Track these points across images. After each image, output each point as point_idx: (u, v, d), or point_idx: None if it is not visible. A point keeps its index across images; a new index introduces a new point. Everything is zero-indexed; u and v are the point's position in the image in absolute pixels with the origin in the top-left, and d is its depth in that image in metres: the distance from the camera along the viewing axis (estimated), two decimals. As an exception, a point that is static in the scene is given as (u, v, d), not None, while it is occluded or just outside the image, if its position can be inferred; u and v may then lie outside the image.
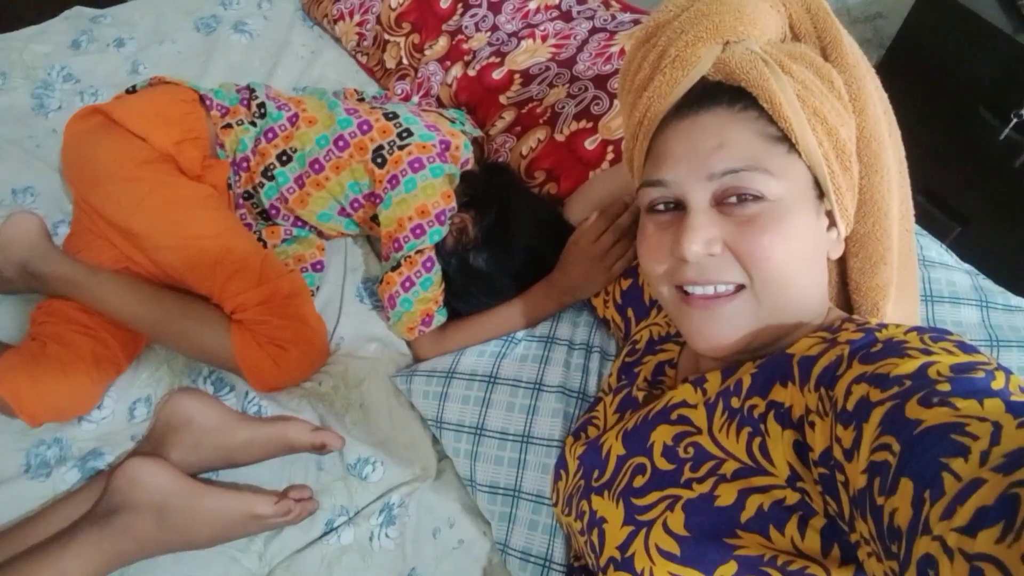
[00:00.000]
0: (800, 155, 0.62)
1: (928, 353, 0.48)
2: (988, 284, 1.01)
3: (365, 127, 1.17)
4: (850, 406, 0.48)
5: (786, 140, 0.62)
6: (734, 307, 0.63)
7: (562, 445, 0.92)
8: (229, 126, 1.19)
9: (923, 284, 0.98)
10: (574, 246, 1.04)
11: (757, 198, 0.61)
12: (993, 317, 0.96)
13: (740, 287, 0.63)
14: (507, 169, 1.25)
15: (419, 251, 1.11)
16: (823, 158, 0.62)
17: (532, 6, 1.47)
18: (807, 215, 0.62)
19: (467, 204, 1.14)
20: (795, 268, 0.62)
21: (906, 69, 1.62)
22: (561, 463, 0.85)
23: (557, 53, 1.36)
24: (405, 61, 1.52)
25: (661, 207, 0.67)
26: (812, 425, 0.52)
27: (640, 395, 0.80)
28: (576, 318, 1.09)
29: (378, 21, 1.56)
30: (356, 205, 1.20)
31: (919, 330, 0.52)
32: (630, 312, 0.97)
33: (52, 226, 1.22)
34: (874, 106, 0.66)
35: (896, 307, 0.73)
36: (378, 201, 1.14)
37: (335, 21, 1.62)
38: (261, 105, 1.22)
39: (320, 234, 1.28)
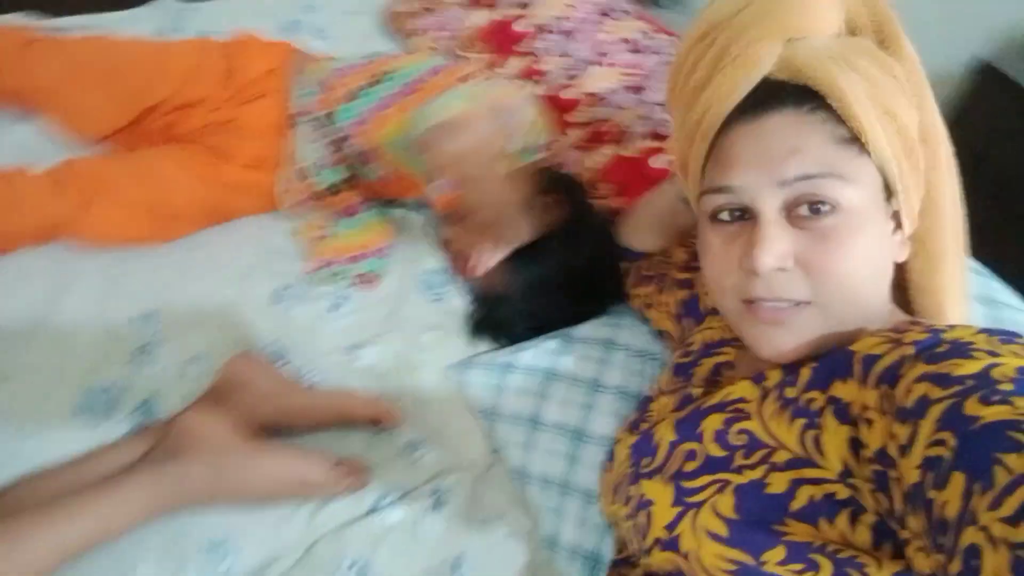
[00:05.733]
0: (870, 155, 0.60)
1: (995, 355, 0.48)
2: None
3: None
4: (909, 404, 0.48)
5: (856, 141, 0.59)
6: (801, 318, 0.62)
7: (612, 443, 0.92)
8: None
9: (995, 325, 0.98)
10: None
11: (832, 209, 0.59)
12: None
13: (806, 303, 0.61)
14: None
15: None
16: (893, 157, 0.60)
17: (604, 37, 1.53)
18: (878, 222, 0.61)
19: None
20: (865, 280, 0.61)
21: (955, 139, 1.66)
22: (609, 457, 0.84)
23: (627, 81, 1.41)
24: (476, 78, 1.57)
25: (726, 216, 0.65)
26: (869, 423, 0.52)
27: (697, 392, 0.79)
28: (637, 326, 1.10)
29: (453, 39, 1.62)
30: None
31: (988, 332, 0.52)
32: (686, 322, 0.98)
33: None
34: (929, 98, 0.65)
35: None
36: None
37: (410, 36, 1.68)
38: None
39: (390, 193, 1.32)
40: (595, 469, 0.92)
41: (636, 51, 1.49)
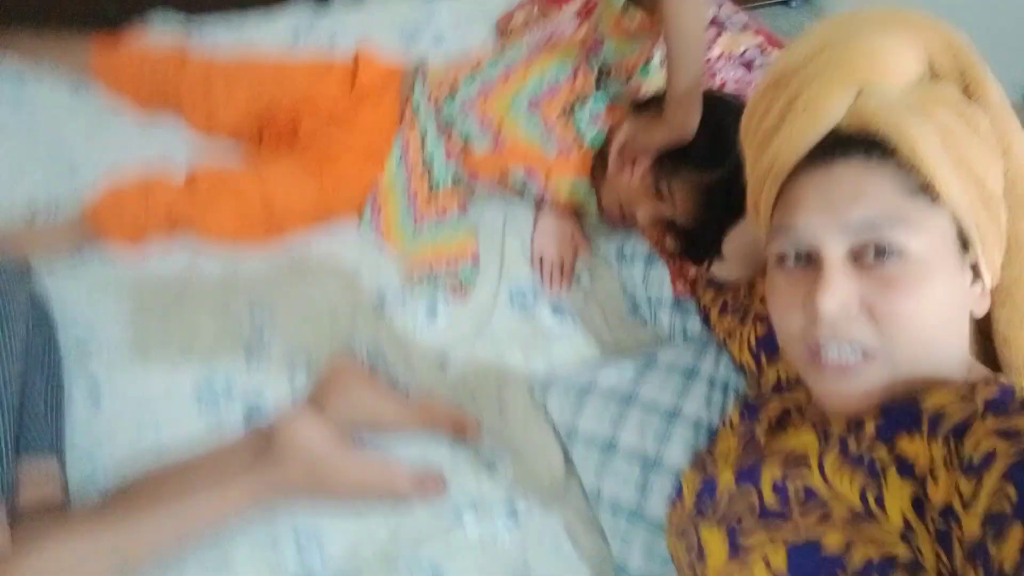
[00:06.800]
0: (943, 205, 0.59)
1: None
2: None
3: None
4: (976, 459, 0.48)
5: (928, 191, 0.59)
6: (869, 370, 0.60)
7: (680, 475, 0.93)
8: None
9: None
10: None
11: (898, 255, 0.58)
12: None
13: (872, 355, 0.60)
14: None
15: None
16: (969, 208, 0.59)
17: (715, 52, 1.50)
18: (950, 271, 0.60)
19: None
20: (935, 330, 0.59)
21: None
22: (677, 493, 0.86)
23: (734, 97, 1.39)
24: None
25: (791, 262, 0.65)
26: (936, 479, 0.51)
27: (760, 433, 0.79)
28: (722, 356, 1.10)
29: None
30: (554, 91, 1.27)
31: None
32: (763, 357, 0.97)
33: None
34: (1019, 145, 0.62)
35: None
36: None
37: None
38: None
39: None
40: (665, 500, 0.94)
41: (748, 67, 1.46)
